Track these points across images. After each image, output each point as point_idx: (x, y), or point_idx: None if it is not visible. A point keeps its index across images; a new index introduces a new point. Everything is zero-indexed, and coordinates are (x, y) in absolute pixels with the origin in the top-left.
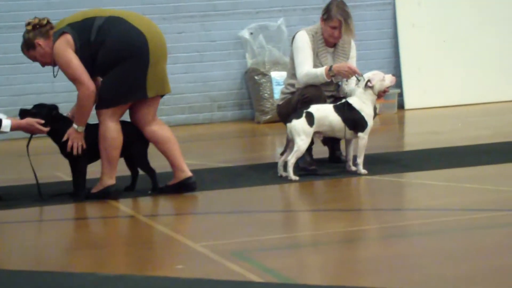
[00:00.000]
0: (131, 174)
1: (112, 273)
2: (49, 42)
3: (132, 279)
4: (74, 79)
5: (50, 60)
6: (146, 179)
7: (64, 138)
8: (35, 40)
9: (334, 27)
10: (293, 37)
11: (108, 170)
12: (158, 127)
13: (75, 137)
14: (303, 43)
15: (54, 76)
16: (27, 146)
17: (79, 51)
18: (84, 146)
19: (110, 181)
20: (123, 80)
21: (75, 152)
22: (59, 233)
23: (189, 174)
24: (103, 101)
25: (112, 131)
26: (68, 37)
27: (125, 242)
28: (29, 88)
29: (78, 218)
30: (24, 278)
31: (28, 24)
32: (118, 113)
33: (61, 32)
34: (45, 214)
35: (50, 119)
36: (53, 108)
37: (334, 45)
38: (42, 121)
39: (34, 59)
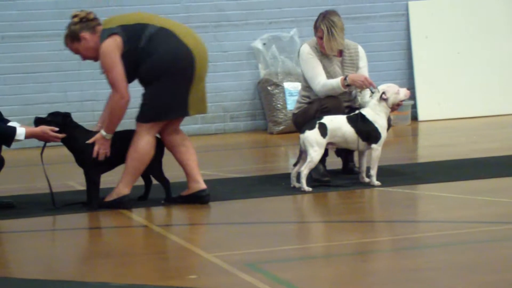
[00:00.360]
0: (144, 183)
1: (125, 283)
2: (94, 37)
3: None
4: (112, 84)
5: (93, 55)
6: (159, 189)
7: (90, 141)
8: (81, 33)
9: (320, 37)
10: (298, 52)
11: (127, 180)
12: (179, 136)
13: (101, 143)
14: (308, 55)
15: (101, 74)
16: (41, 154)
17: (125, 55)
18: (108, 154)
19: (125, 190)
20: (166, 96)
21: (100, 157)
22: (72, 242)
23: (203, 186)
24: (144, 115)
25: (146, 145)
26: (118, 39)
27: (138, 252)
28: (42, 97)
29: (91, 228)
30: (37, 287)
31: (75, 16)
32: (156, 128)
33: (112, 32)
34: (58, 223)
35: (65, 126)
36: (67, 115)
37: (341, 54)
38: (56, 129)
39: (76, 51)
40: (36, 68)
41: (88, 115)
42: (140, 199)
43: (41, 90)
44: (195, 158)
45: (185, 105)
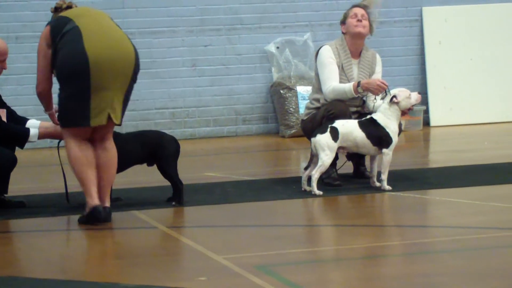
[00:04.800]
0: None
1: (135, 284)
2: None
3: None
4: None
5: None
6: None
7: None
8: None
9: (355, 14)
10: (317, 52)
11: (85, 190)
12: (101, 151)
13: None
14: (327, 58)
15: None
16: (58, 150)
17: (50, 46)
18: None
19: (92, 201)
20: (67, 102)
21: None
22: (83, 243)
23: (97, 203)
24: (59, 120)
25: (72, 150)
26: (47, 30)
27: (148, 253)
28: (55, 98)
29: (102, 229)
30: (48, 286)
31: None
32: (76, 132)
33: (48, 22)
34: (69, 223)
35: None
36: None
37: (359, 56)
38: None
39: None
40: None
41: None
42: (169, 200)
43: (55, 90)
44: (108, 177)
45: (85, 115)
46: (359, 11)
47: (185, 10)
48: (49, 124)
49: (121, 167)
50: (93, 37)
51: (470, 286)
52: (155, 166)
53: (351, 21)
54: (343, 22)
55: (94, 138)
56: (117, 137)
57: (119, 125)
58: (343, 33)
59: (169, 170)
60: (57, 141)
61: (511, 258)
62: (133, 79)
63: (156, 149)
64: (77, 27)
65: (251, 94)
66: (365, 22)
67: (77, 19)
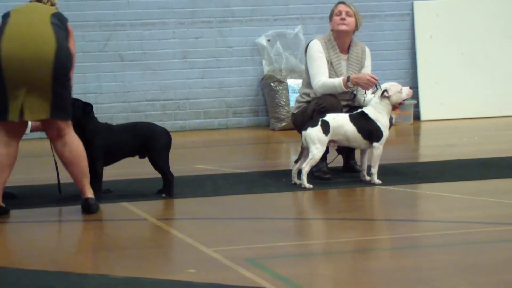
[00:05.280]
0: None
1: (124, 276)
2: None
3: (144, 282)
4: None
5: None
6: (162, 182)
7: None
8: None
9: (339, 12)
10: (306, 46)
11: None
12: (62, 147)
13: None
14: (316, 52)
15: None
16: (50, 141)
17: None
18: None
19: None
20: None
21: None
22: (73, 234)
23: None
24: None
25: None
26: None
27: (137, 245)
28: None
29: (92, 220)
30: (37, 277)
31: None
32: (5, 128)
33: None
34: (59, 214)
35: (82, 116)
36: (88, 106)
37: (347, 51)
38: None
39: None
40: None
41: (115, 107)
42: (160, 192)
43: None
44: (75, 169)
45: (5, 109)
46: (343, 8)
47: (176, 2)
48: None
49: (113, 159)
50: (12, 34)
51: (460, 280)
52: (146, 158)
53: (335, 19)
54: (330, 18)
55: (51, 137)
56: (109, 129)
57: (49, 119)
58: (331, 30)
59: (160, 162)
60: None
61: (501, 253)
62: (57, 78)
63: (147, 141)
64: (6, 23)
65: (242, 87)
66: (349, 19)
67: (13, 14)
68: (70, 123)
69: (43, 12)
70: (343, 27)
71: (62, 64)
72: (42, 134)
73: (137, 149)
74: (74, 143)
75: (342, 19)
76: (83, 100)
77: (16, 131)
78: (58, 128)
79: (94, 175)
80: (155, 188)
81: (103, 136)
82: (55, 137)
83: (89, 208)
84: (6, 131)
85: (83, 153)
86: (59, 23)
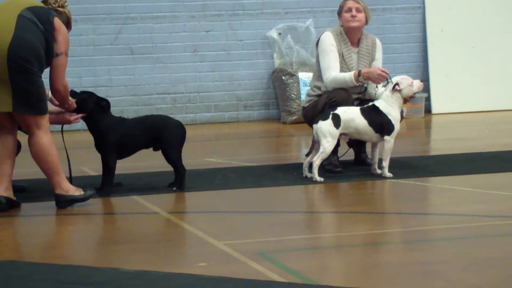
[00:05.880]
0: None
1: (135, 269)
2: None
3: (155, 275)
4: None
5: None
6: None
7: None
8: None
9: (349, 8)
10: (318, 39)
11: None
12: (29, 144)
13: None
14: (329, 45)
15: None
16: (62, 135)
17: None
18: None
19: None
20: None
21: None
22: (83, 228)
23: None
24: None
25: None
26: None
27: (148, 239)
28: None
29: (103, 213)
30: (47, 271)
31: None
32: None
33: None
34: (69, 208)
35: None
36: (103, 100)
37: (358, 44)
38: (74, 114)
39: None
40: (83, 51)
41: (125, 101)
42: (170, 185)
43: (88, 73)
44: (45, 165)
45: None
46: (353, 4)
47: None
48: (53, 109)
49: (127, 152)
50: None
51: (470, 274)
52: (159, 151)
53: (345, 16)
54: (339, 13)
55: (25, 132)
56: (122, 122)
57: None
58: (340, 25)
59: (172, 155)
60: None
61: (511, 246)
62: (14, 70)
63: (161, 133)
64: None
65: (253, 80)
66: (360, 15)
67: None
68: (40, 120)
69: (17, 5)
70: (355, 24)
71: (19, 56)
72: (52, 127)
73: (151, 141)
74: (35, 146)
75: (353, 16)
76: (96, 94)
77: (4, 123)
78: (27, 124)
79: (107, 169)
80: (166, 181)
81: (117, 130)
82: (27, 132)
83: (57, 204)
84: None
85: (48, 150)
86: (34, 17)
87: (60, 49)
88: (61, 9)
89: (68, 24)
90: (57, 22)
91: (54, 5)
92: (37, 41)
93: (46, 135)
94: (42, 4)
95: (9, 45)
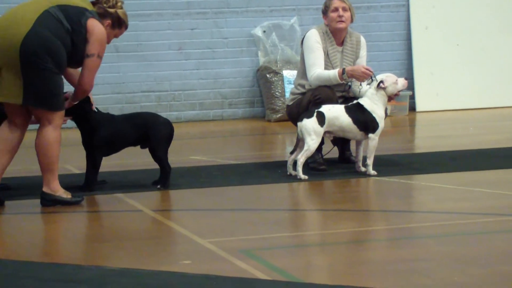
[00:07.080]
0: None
1: (119, 267)
2: None
3: (139, 273)
4: None
5: None
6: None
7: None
8: None
9: (335, 8)
10: (304, 36)
11: None
12: (39, 134)
13: None
14: (314, 42)
15: None
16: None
17: None
18: None
19: None
20: None
21: None
22: (67, 225)
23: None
24: None
25: (1, 129)
26: None
27: (132, 237)
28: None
29: (87, 211)
30: (32, 269)
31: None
32: (7, 110)
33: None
34: (54, 205)
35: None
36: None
37: (342, 43)
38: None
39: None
40: None
41: (110, 98)
42: (155, 183)
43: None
44: (41, 159)
45: None
46: (339, 4)
47: None
48: None
49: (115, 149)
50: (2, 16)
51: (455, 272)
52: (145, 149)
53: (332, 16)
54: (324, 13)
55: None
56: (112, 119)
57: (22, 104)
58: (326, 24)
59: (159, 152)
60: None
61: (496, 243)
62: (26, 64)
63: (149, 130)
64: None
65: (237, 78)
66: (346, 15)
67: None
68: (51, 115)
69: (49, 0)
70: (342, 25)
71: (31, 50)
72: (34, 126)
73: (139, 138)
74: (45, 136)
75: (340, 16)
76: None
77: (16, 117)
78: (37, 117)
79: (91, 165)
80: (151, 179)
81: (107, 126)
82: (22, 124)
83: (41, 201)
84: (8, 112)
85: (51, 145)
86: (62, 15)
87: (91, 51)
88: (111, 10)
89: (120, 24)
90: (91, 23)
91: (105, 5)
92: (56, 39)
93: (54, 131)
94: (81, 4)
95: (23, 39)
